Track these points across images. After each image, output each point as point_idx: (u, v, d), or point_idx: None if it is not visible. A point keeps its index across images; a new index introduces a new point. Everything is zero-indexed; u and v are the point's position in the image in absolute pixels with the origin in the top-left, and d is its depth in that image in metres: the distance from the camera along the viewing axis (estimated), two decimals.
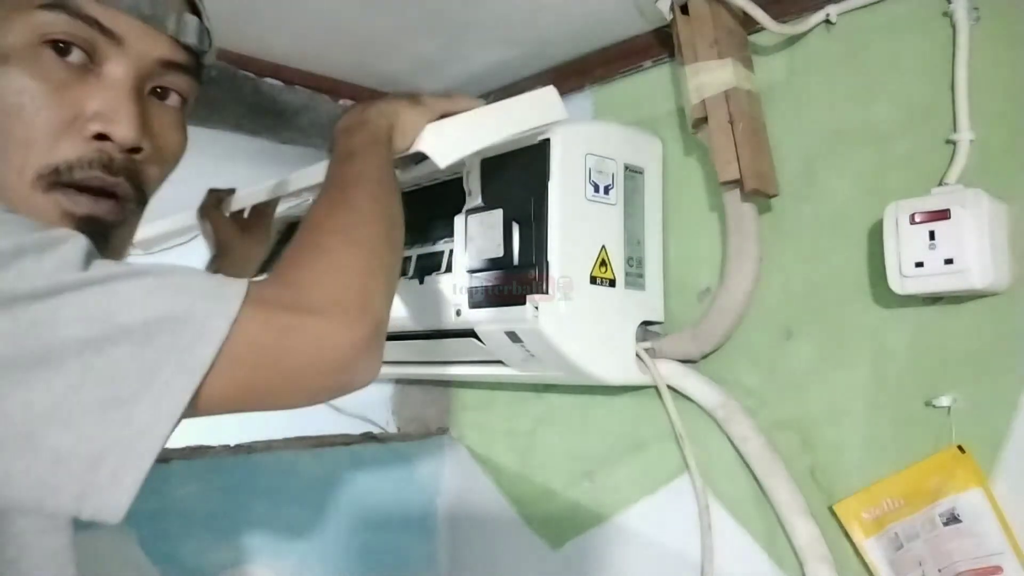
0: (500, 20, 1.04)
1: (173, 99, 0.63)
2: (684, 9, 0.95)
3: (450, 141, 0.79)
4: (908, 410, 0.84)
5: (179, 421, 0.46)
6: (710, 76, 0.92)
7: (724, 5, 0.93)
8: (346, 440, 1.31)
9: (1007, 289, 0.77)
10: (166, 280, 0.48)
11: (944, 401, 0.81)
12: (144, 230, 1.31)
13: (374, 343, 0.56)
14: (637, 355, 1.00)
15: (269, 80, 1.17)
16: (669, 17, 0.96)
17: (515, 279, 0.94)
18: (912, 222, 0.77)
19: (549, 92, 0.88)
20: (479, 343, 1.00)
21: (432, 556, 1.35)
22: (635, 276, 1.01)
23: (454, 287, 1.00)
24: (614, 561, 1.11)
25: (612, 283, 0.97)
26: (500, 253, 0.96)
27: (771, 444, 0.94)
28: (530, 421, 1.24)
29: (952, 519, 0.78)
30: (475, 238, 0.98)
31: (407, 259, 1.12)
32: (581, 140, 0.95)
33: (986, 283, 0.75)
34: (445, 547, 1.36)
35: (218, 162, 1.14)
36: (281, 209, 1.15)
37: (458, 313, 0.99)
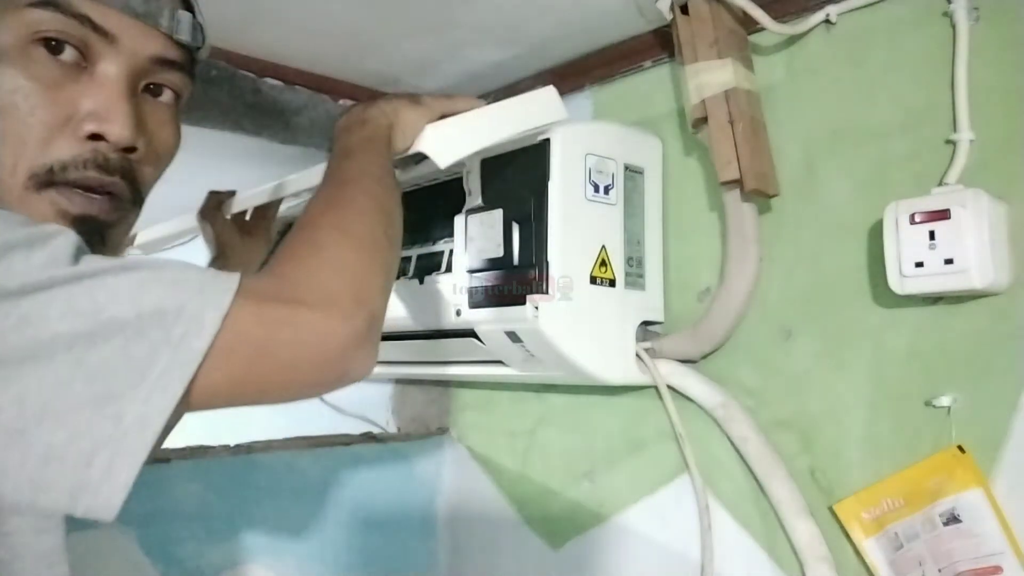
0: (500, 20, 1.04)
1: (166, 96, 0.62)
2: (684, 9, 0.95)
3: (450, 141, 0.79)
4: (908, 410, 0.84)
5: (173, 416, 0.46)
6: (710, 76, 0.92)
7: (724, 5, 0.93)
8: (346, 440, 1.31)
9: (1007, 289, 0.77)
10: (158, 274, 0.47)
11: (944, 401, 0.81)
12: (145, 233, 1.31)
13: (368, 337, 0.55)
14: (637, 355, 1.00)
15: (269, 80, 1.17)
16: (669, 17, 0.96)
17: (515, 279, 0.94)
18: (912, 222, 0.77)
19: (549, 92, 0.88)
20: (479, 343, 1.00)
21: (432, 556, 1.35)
22: (635, 276, 1.01)
23: (454, 287, 1.00)
24: (614, 561, 1.11)
25: (612, 283, 0.97)
26: (500, 253, 0.96)
27: (771, 444, 0.94)
28: (530, 421, 1.24)
29: (952, 519, 0.78)
30: (475, 238, 0.98)
31: (407, 259, 1.12)
32: (581, 140, 0.95)
33: (986, 283, 0.75)
34: (445, 547, 1.36)
35: (218, 162, 1.14)
36: (281, 209, 1.15)
37: (458, 313, 0.99)
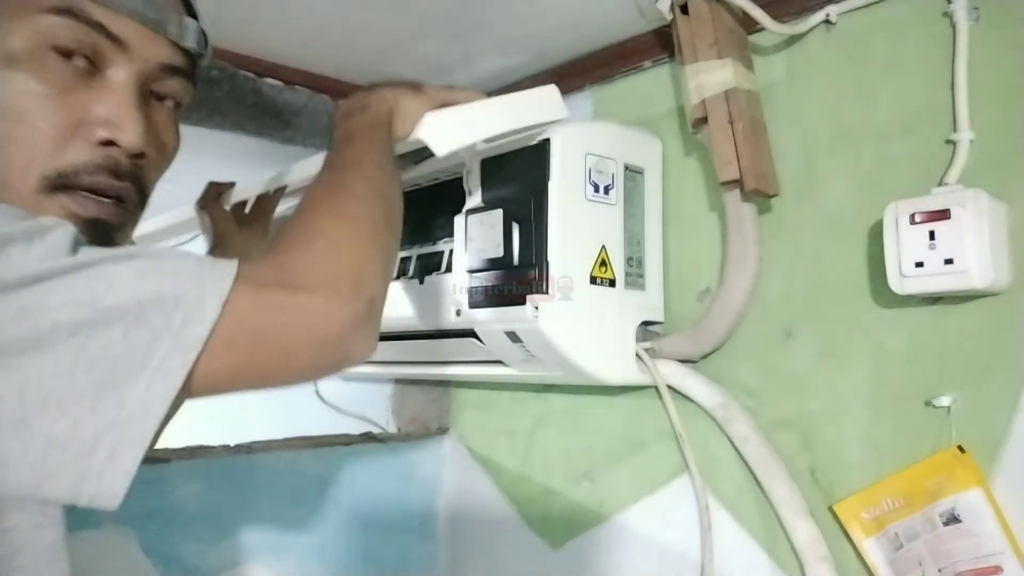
0: (500, 21, 1.04)
1: (169, 101, 0.63)
2: (684, 9, 0.95)
3: (449, 131, 0.79)
4: (908, 410, 0.84)
5: (175, 402, 0.46)
6: (710, 76, 0.92)
7: (724, 5, 0.93)
8: (346, 440, 1.31)
9: (1007, 289, 0.77)
10: (157, 262, 0.48)
11: (944, 401, 0.81)
12: (143, 225, 1.31)
13: (368, 320, 0.56)
14: (637, 355, 1.00)
15: (269, 80, 1.17)
16: (669, 17, 0.96)
17: (515, 279, 0.94)
18: (912, 222, 0.77)
19: (551, 91, 0.88)
20: (479, 343, 1.00)
21: (432, 556, 1.35)
22: (635, 276, 1.01)
23: (454, 287, 1.00)
24: (614, 561, 1.11)
25: (612, 283, 0.97)
26: (500, 253, 0.96)
27: (771, 444, 0.94)
28: (530, 421, 1.24)
29: (952, 519, 0.78)
30: (475, 238, 0.98)
31: (407, 259, 1.12)
32: (581, 140, 0.95)
33: (986, 283, 0.75)
34: (445, 547, 1.36)
35: (218, 162, 1.13)
36: (281, 209, 1.15)
37: (458, 313, 0.99)
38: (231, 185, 1.09)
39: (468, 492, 1.34)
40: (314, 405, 1.56)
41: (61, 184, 0.56)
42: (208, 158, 1.19)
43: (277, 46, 1.13)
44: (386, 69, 1.19)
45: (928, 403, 0.82)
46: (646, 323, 1.02)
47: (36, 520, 0.51)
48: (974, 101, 0.80)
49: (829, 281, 0.91)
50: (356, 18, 1.03)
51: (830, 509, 0.89)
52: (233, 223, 1.08)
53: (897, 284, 0.79)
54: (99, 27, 0.56)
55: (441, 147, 0.78)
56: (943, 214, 0.76)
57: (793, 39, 0.95)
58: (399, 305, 1.08)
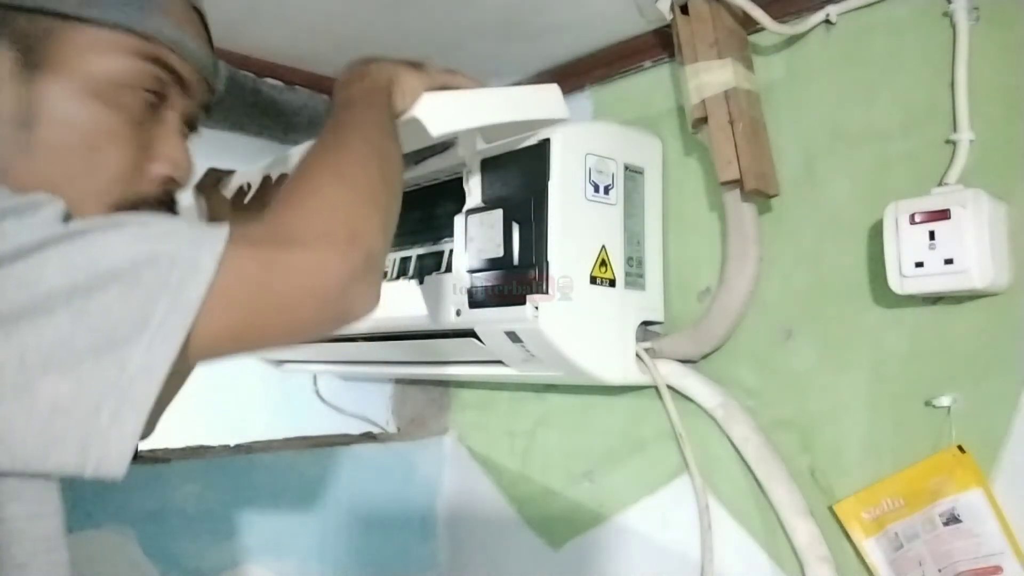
0: (500, 21, 1.04)
1: (191, 131, 0.67)
2: (684, 9, 0.95)
3: (447, 113, 0.78)
4: (908, 410, 0.84)
5: (177, 365, 0.46)
6: (710, 76, 0.92)
7: (724, 5, 0.93)
8: (346, 440, 1.31)
9: (1007, 289, 0.77)
10: (148, 227, 0.48)
11: (944, 401, 0.81)
12: None
13: (367, 272, 0.56)
14: (637, 355, 1.00)
15: (269, 80, 1.18)
16: (669, 17, 0.96)
17: (515, 279, 0.94)
18: (912, 222, 0.77)
19: (552, 89, 0.88)
20: (479, 343, 1.00)
21: (432, 556, 1.35)
22: (635, 276, 1.01)
23: (454, 287, 1.00)
24: (614, 561, 1.11)
25: (612, 283, 0.97)
26: (500, 253, 0.95)
27: (771, 444, 0.94)
28: (530, 421, 1.24)
29: (952, 519, 0.78)
30: (475, 238, 0.98)
31: (407, 259, 1.12)
32: (581, 140, 0.95)
33: (986, 283, 0.75)
34: (445, 547, 1.36)
35: (218, 162, 1.14)
36: None
37: (458, 313, 0.99)
38: (230, 173, 1.08)
39: (468, 492, 1.34)
40: (314, 405, 1.56)
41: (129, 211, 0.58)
42: (208, 158, 1.19)
43: (277, 46, 1.13)
44: None
45: (928, 403, 0.82)
46: (646, 323, 1.02)
47: (33, 509, 0.51)
48: (974, 101, 0.80)
49: (829, 281, 0.91)
50: (356, 18, 1.03)
51: (830, 509, 0.89)
52: (229, 211, 1.08)
53: (897, 284, 0.79)
54: (175, 74, 0.61)
55: (437, 128, 0.77)
56: (943, 214, 0.76)
57: (793, 39, 0.95)
58: (399, 305, 1.08)
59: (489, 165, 0.99)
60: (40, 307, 0.44)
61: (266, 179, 1.03)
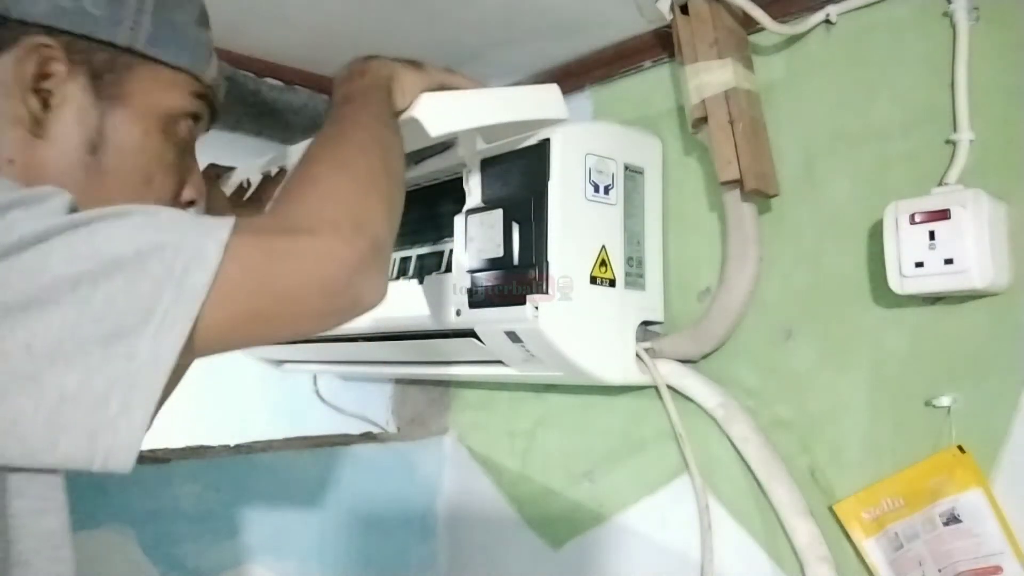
0: (500, 21, 1.04)
1: None
2: (684, 9, 0.95)
3: (445, 113, 0.78)
4: (908, 410, 0.84)
5: (184, 355, 0.46)
6: (710, 76, 0.92)
7: (724, 5, 0.93)
8: (346, 440, 1.31)
9: (1007, 289, 0.77)
10: (153, 216, 0.49)
11: (944, 401, 0.81)
12: None
13: (373, 261, 0.56)
14: (637, 355, 1.00)
15: (269, 80, 1.17)
16: (669, 17, 0.96)
17: (515, 279, 0.94)
18: (912, 222, 0.77)
19: (552, 89, 0.88)
20: (479, 343, 1.00)
21: (432, 556, 1.35)
22: (635, 276, 1.01)
23: (454, 287, 1.00)
24: (614, 561, 1.11)
25: (612, 283, 0.97)
26: (500, 253, 0.95)
27: (771, 444, 0.94)
28: (530, 421, 1.24)
29: (952, 519, 0.78)
30: (475, 238, 0.98)
31: (407, 259, 1.12)
32: (581, 140, 0.95)
33: (986, 283, 0.75)
34: (445, 547, 1.36)
35: (218, 161, 1.14)
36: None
37: (458, 313, 0.99)
38: (230, 169, 1.08)
39: (468, 492, 1.34)
40: (314, 405, 1.56)
41: None
42: (208, 158, 1.19)
43: (277, 46, 1.13)
44: None
45: (928, 403, 0.82)
46: (646, 323, 1.02)
47: (38, 506, 0.51)
48: (974, 101, 0.80)
49: (829, 281, 0.91)
50: (356, 18, 1.03)
51: (830, 509, 0.89)
52: (228, 207, 1.08)
53: (897, 284, 0.79)
54: (215, 108, 0.69)
55: (435, 128, 0.77)
56: (943, 214, 0.75)
57: (793, 39, 0.95)
58: (399, 305, 1.08)
59: (489, 165, 0.99)
60: (46, 297, 0.44)
61: (265, 176, 1.03)
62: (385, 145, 0.66)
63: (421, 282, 1.06)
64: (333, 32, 1.07)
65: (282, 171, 1.04)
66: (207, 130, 0.71)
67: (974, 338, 0.80)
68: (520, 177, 0.95)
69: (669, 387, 1.01)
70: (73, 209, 0.48)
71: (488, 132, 0.95)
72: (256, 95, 1.16)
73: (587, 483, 1.15)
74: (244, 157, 1.37)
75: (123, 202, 0.57)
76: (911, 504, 0.82)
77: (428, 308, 1.04)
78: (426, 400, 1.41)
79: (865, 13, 0.89)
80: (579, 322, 0.94)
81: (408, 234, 1.11)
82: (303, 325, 0.55)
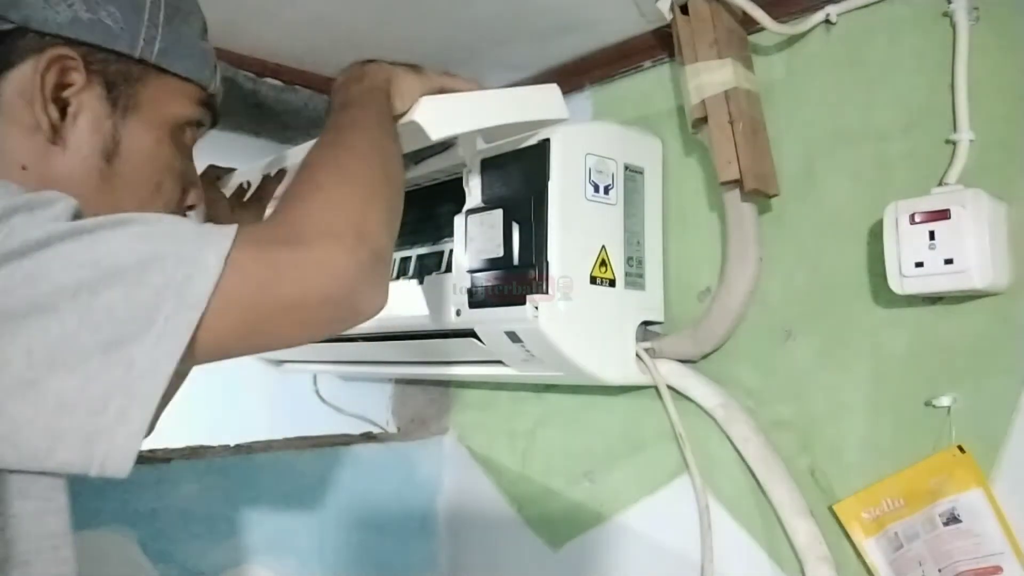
0: (499, 21, 1.04)
1: None
2: (684, 9, 0.95)
3: (445, 116, 0.78)
4: (908, 410, 0.84)
5: (184, 362, 0.47)
6: (710, 76, 0.92)
7: (724, 5, 0.93)
8: (346, 440, 1.31)
9: (1007, 289, 0.77)
10: (155, 225, 0.49)
11: (944, 401, 0.81)
12: None
13: (374, 270, 0.56)
14: (637, 355, 1.00)
15: (269, 80, 1.17)
16: (669, 17, 0.96)
17: (515, 279, 0.94)
18: (912, 222, 0.77)
19: (551, 90, 0.88)
20: (479, 343, 1.00)
21: (432, 556, 1.35)
22: (635, 276, 1.01)
23: (454, 287, 1.00)
24: (614, 561, 1.11)
25: (612, 283, 0.97)
26: (500, 253, 0.95)
27: (771, 444, 0.94)
28: (530, 421, 1.24)
29: (952, 519, 0.78)
30: (475, 238, 0.98)
31: (407, 259, 1.12)
32: (581, 140, 0.95)
33: (986, 283, 0.75)
34: (445, 547, 1.36)
35: (218, 162, 1.14)
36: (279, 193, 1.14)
37: (458, 313, 0.99)
38: (230, 170, 1.08)
39: (468, 492, 1.34)
40: (314, 405, 1.56)
41: None
42: (207, 158, 1.19)
43: (277, 46, 1.13)
44: None
45: (928, 403, 0.82)
46: (646, 323, 1.02)
47: (39, 507, 0.51)
48: (974, 101, 0.80)
49: (829, 281, 0.91)
50: (355, 18, 1.03)
51: (830, 509, 0.89)
52: (228, 209, 1.08)
53: (897, 284, 0.79)
54: (214, 113, 0.70)
55: (435, 132, 0.77)
56: (943, 214, 0.75)
57: (793, 39, 0.95)
58: (399, 305, 1.08)
59: (489, 165, 0.99)
60: (47, 304, 0.44)
61: (265, 178, 1.03)
62: (384, 151, 0.66)
63: (421, 282, 1.06)
64: (333, 32, 1.07)
65: (282, 171, 1.04)
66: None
67: (974, 338, 0.80)
68: (520, 177, 0.95)
69: (669, 387, 1.01)
70: (77, 215, 0.49)
71: (488, 132, 0.95)
72: (256, 95, 1.16)
73: (587, 483, 1.15)
74: (244, 157, 1.37)
75: (134, 207, 0.59)
76: (911, 504, 0.82)
77: (428, 308, 1.04)
78: (426, 400, 1.41)
79: (865, 13, 0.89)
80: (579, 322, 0.94)
81: (408, 234, 1.11)
82: (304, 334, 0.55)
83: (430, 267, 1.08)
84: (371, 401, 1.49)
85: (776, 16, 0.92)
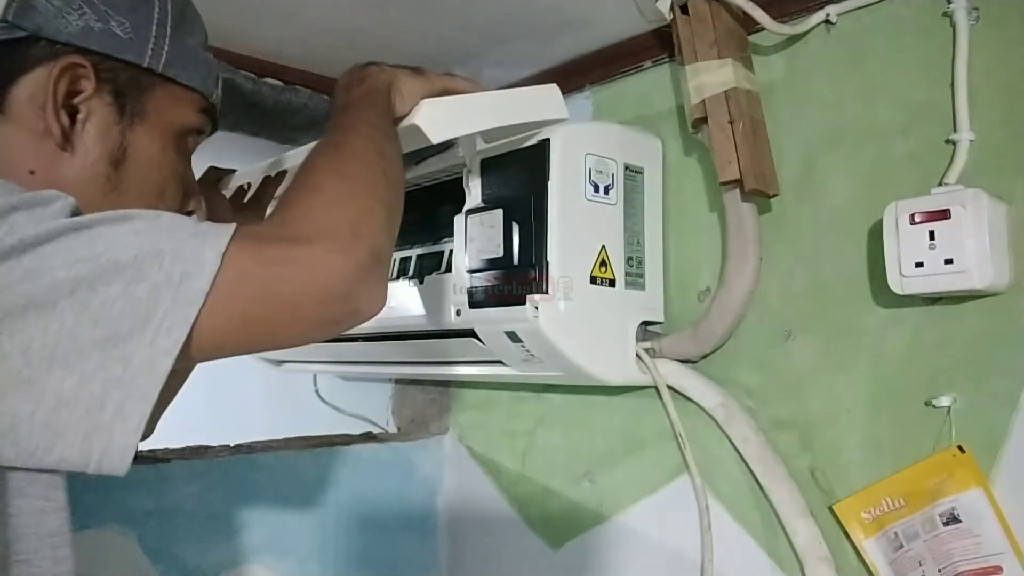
0: (499, 21, 1.04)
1: None
2: (684, 9, 0.95)
3: (446, 118, 0.78)
4: (908, 410, 0.84)
5: (181, 360, 0.47)
6: (710, 76, 0.92)
7: (724, 5, 0.93)
8: (346, 440, 1.31)
9: (1007, 289, 0.77)
10: (153, 222, 0.49)
11: (944, 401, 0.81)
12: None
13: (371, 269, 0.56)
14: (637, 355, 1.00)
15: (269, 80, 1.17)
16: (669, 17, 0.96)
17: (515, 279, 0.94)
18: (912, 222, 0.77)
19: (552, 90, 0.88)
20: (479, 343, 1.00)
21: (432, 556, 1.35)
22: (635, 276, 1.01)
23: (454, 287, 1.00)
24: (614, 561, 1.11)
25: (612, 283, 0.97)
26: (500, 253, 0.95)
27: (771, 444, 0.94)
28: (530, 421, 1.24)
29: (952, 519, 0.78)
30: (475, 238, 0.98)
31: (407, 259, 1.12)
32: (581, 140, 0.95)
33: (986, 283, 0.75)
34: (445, 547, 1.36)
35: (218, 162, 1.14)
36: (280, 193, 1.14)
37: (458, 313, 0.99)
38: (231, 171, 1.08)
39: (468, 492, 1.34)
40: (314, 405, 1.56)
41: None
42: (208, 158, 1.19)
43: (277, 46, 1.13)
44: None
45: (928, 403, 0.82)
46: (646, 323, 1.02)
47: (39, 505, 0.52)
48: (974, 101, 0.80)
49: (829, 281, 0.91)
50: (356, 18, 1.03)
51: (830, 509, 0.89)
52: (229, 209, 1.08)
53: (897, 284, 0.79)
54: (214, 121, 0.72)
55: (436, 134, 0.77)
56: (943, 214, 0.75)
57: (793, 39, 0.95)
58: (399, 305, 1.08)
59: (489, 165, 0.99)
60: (45, 301, 0.44)
61: (266, 179, 1.03)
62: (385, 155, 0.67)
63: (421, 282, 1.06)
64: (333, 32, 1.07)
65: (282, 173, 1.04)
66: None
67: (974, 338, 0.80)
68: (520, 177, 0.95)
69: (669, 387, 1.01)
70: (75, 213, 0.49)
71: (488, 133, 0.95)
72: (256, 95, 1.16)
73: (587, 483, 1.15)
74: (244, 157, 1.37)
75: None
76: (911, 504, 0.82)
77: (428, 308, 1.04)
78: (426, 400, 1.41)
79: (865, 13, 0.89)
80: (579, 322, 0.94)
81: (408, 234, 1.11)
82: (302, 333, 0.55)
83: (430, 267, 1.08)
84: (371, 401, 1.49)
85: (776, 16, 0.92)
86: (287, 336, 0.55)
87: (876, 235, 0.83)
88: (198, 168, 1.09)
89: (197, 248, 0.48)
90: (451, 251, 1.04)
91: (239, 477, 1.15)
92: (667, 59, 1.07)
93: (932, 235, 0.76)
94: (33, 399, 0.44)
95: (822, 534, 0.89)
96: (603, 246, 0.96)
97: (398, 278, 1.10)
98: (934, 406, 0.82)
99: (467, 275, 0.99)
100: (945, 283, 0.76)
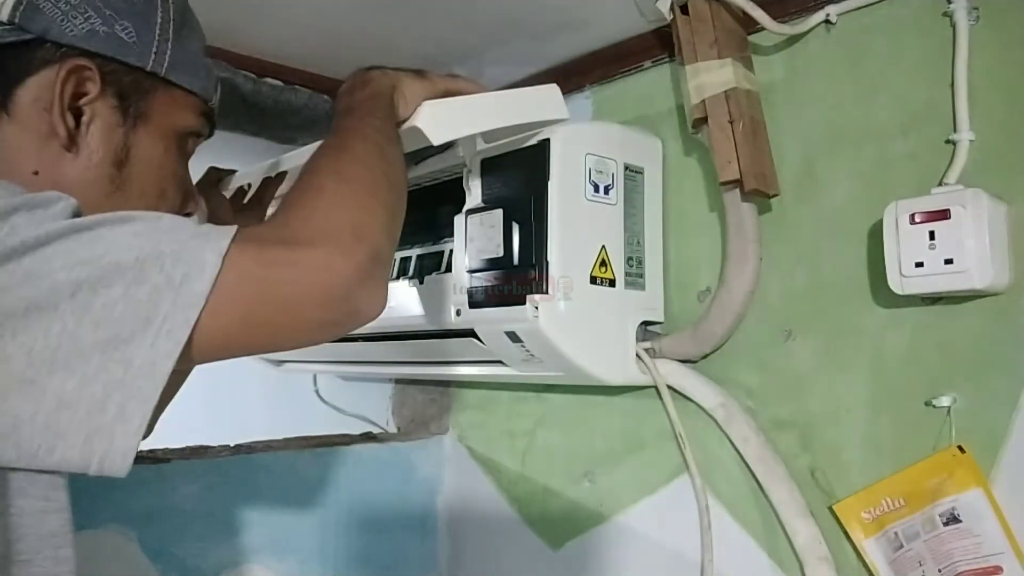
0: (499, 21, 1.04)
1: None
2: (684, 9, 0.95)
3: (447, 120, 0.79)
4: (908, 410, 0.84)
5: (182, 361, 0.47)
6: (710, 76, 0.92)
7: (724, 5, 0.93)
8: (346, 440, 1.31)
9: (1007, 289, 0.77)
10: (154, 223, 0.49)
11: (944, 401, 0.81)
12: None
13: (372, 272, 0.56)
14: (637, 355, 1.00)
15: (269, 80, 1.17)
16: (669, 17, 0.96)
17: (515, 279, 0.94)
18: (912, 222, 0.77)
19: (552, 90, 0.88)
20: (479, 343, 1.00)
21: (432, 556, 1.35)
22: (635, 276, 1.01)
23: (454, 287, 1.00)
24: (614, 561, 1.11)
25: (612, 283, 0.97)
26: (500, 253, 0.95)
27: (771, 444, 0.94)
28: (530, 421, 1.24)
29: (952, 519, 0.78)
30: (475, 238, 0.98)
31: (407, 259, 1.12)
32: (581, 140, 0.95)
33: (986, 283, 0.75)
34: (445, 547, 1.36)
35: (218, 162, 1.14)
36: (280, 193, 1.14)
37: (458, 313, 0.99)
38: (231, 172, 1.09)
39: (468, 492, 1.34)
40: (314, 405, 1.56)
41: None
42: (208, 158, 1.19)
43: (277, 46, 1.13)
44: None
45: (928, 403, 0.82)
46: (646, 323, 1.02)
47: (40, 505, 0.52)
48: (974, 101, 0.80)
49: (829, 281, 0.91)
50: (356, 18, 1.03)
51: (830, 509, 0.89)
52: (229, 210, 1.08)
53: (897, 284, 0.79)
54: (212, 124, 0.73)
55: (437, 136, 0.78)
56: (943, 214, 0.76)
57: (793, 39, 0.95)
58: (399, 305, 1.08)
59: (489, 165, 0.99)
60: (46, 302, 0.44)
61: (266, 179, 1.03)
62: (387, 158, 0.67)
63: (421, 282, 1.06)
64: (333, 32, 1.07)
65: (282, 174, 1.04)
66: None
67: (974, 338, 0.80)
68: (520, 177, 0.95)
69: (669, 387, 1.01)
70: (76, 214, 0.49)
71: (488, 133, 0.95)
72: (256, 95, 1.16)
73: (587, 483, 1.15)
74: (244, 157, 1.37)
75: None
76: (911, 504, 0.82)
77: (428, 308, 1.04)
78: (426, 400, 1.41)
79: (865, 13, 0.89)
80: (579, 322, 0.94)
81: (408, 234, 1.10)
82: (302, 335, 0.56)
83: (430, 267, 1.08)
84: (371, 401, 1.49)
85: (776, 16, 0.92)
86: (288, 338, 0.55)
87: (876, 235, 0.83)
88: (198, 169, 1.09)
89: (198, 250, 0.48)
90: (451, 251, 1.04)
91: (239, 477, 1.15)
92: (667, 59, 1.07)
93: (932, 235, 0.76)
94: (35, 400, 0.44)
95: (822, 534, 0.89)
96: (603, 246, 0.96)
97: (398, 278, 1.10)
98: (934, 406, 0.82)
99: (467, 275, 0.99)
100: (945, 283, 0.76)
